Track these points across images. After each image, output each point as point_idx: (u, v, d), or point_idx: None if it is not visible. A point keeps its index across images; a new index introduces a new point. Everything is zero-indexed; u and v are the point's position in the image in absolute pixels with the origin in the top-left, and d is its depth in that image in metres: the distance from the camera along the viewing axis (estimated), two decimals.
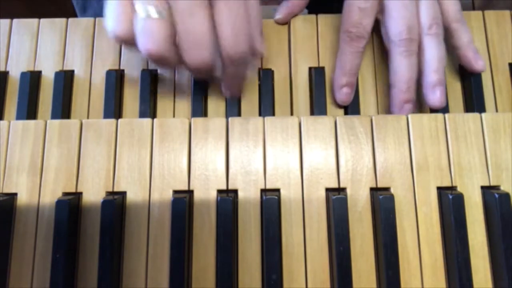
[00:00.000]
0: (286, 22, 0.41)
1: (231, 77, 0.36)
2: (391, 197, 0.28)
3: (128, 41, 0.32)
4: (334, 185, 0.30)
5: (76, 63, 0.40)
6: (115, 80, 0.39)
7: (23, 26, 0.41)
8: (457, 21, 0.38)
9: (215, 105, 0.39)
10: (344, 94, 0.38)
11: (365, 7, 0.37)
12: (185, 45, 0.32)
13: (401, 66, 0.36)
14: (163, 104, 0.39)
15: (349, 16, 0.38)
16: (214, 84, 0.39)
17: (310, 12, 0.42)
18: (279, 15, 0.41)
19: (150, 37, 0.31)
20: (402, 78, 0.36)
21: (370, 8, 0.37)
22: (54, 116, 0.38)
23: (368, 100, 0.39)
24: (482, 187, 0.30)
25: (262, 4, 0.40)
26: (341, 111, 0.39)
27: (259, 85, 0.39)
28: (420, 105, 0.39)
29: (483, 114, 0.31)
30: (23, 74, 0.39)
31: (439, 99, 0.36)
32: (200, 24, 0.31)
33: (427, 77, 0.36)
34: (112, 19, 0.32)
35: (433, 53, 0.37)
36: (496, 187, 0.30)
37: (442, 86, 0.37)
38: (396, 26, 0.37)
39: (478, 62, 0.38)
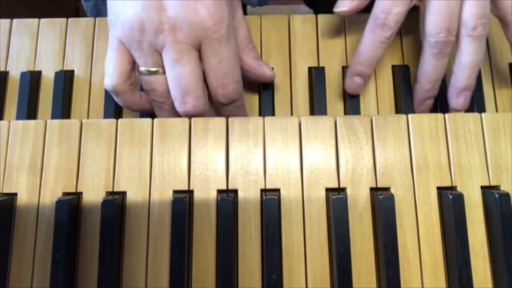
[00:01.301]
0: (347, 16, 0.38)
1: (228, 114, 0.35)
2: (391, 197, 0.28)
3: (120, 93, 0.34)
4: (334, 185, 0.30)
5: (76, 63, 0.40)
6: None
7: (23, 26, 0.41)
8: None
9: None
10: (354, 83, 0.36)
11: None
12: (174, 93, 0.33)
13: (430, 66, 0.35)
14: None
15: (380, 2, 0.35)
16: None
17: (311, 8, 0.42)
18: (343, 8, 0.36)
19: (152, 90, 0.34)
20: (428, 77, 0.35)
21: None
22: (54, 116, 0.39)
23: (368, 100, 0.39)
24: (482, 187, 0.30)
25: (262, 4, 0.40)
26: (341, 111, 0.39)
27: (259, 85, 0.39)
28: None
29: (483, 114, 0.31)
30: (23, 74, 0.39)
31: (462, 104, 0.35)
32: (188, 72, 0.32)
33: (457, 82, 0.35)
34: (110, 73, 0.34)
35: (470, 59, 0.34)
36: (496, 187, 0.30)
37: (470, 91, 0.35)
38: (434, 25, 0.34)
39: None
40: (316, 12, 0.43)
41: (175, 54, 0.32)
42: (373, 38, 0.35)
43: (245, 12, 0.39)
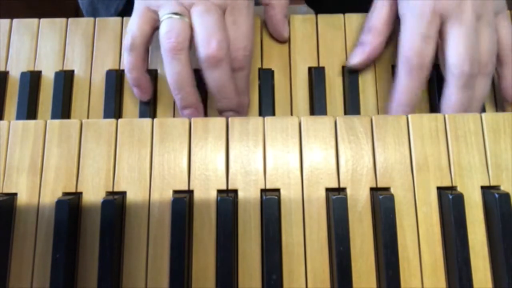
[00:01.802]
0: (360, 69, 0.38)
1: (236, 83, 0.36)
2: (391, 197, 0.28)
3: (134, 49, 0.36)
4: (334, 185, 0.30)
5: (76, 63, 0.40)
6: (115, 80, 0.39)
7: (23, 26, 0.41)
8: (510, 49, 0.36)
9: (215, 105, 0.39)
10: None
11: (428, 34, 0.34)
12: (200, 35, 0.34)
13: (457, 99, 0.34)
14: (163, 104, 0.39)
15: (409, 43, 0.34)
16: None
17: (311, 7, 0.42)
18: (355, 61, 0.38)
19: (173, 32, 0.34)
20: (453, 109, 0.34)
21: (432, 35, 0.34)
22: (54, 116, 0.38)
23: (368, 100, 0.39)
24: (482, 187, 0.30)
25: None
26: (341, 111, 0.39)
27: (259, 85, 0.39)
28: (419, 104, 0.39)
29: (483, 114, 0.31)
30: (23, 74, 0.39)
31: None
32: (215, 20, 0.34)
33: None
34: (131, 29, 0.36)
35: (477, 94, 0.35)
36: (496, 187, 0.30)
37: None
38: (457, 57, 0.34)
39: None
40: (317, 12, 0.43)
41: (204, 7, 0.34)
42: (412, 84, 0.35)
43: None
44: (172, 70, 0.34)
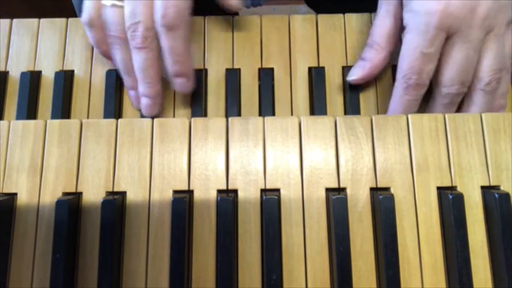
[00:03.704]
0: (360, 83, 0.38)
1: (168, 46, 0.36)
2: (391, 197, 0.28)
3: (92, 27, 0.37)
4: (334, 185, 0.30)
5: (76, 63, 0.40)
6: (115, 80, 0.39)
7: (23, 26, 0.41)
8: (505, 68, 0.35)
9: (215, 105, 0.39)
10: None
11: (429, 52, 0.33)
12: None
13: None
14: (163, 104, 0.39)
15: (409, 60, 0.33)
16: (213, 84, 0.39)
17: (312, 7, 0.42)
18: (354, 76, 0.37)
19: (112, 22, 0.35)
20: None
21: (434, 52, 0.33)
22: (54, 116, 0.39)
23: (368, 100, 0.39)
24: (482, 187, 0.30)
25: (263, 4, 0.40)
26: (341, 111, 0.39)
27: (259, 85, 0.39)
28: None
29: (483, 114, 0.31)
30: (23, 74, 0.39)
31: None
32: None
33: None
34: (88, 7, 0.37)
35: (480, 110, 0.34)
36: (496, 187, 0.30)
37: None
38: (449, 77, 0.33)
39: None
40: (317, 11, 0.43)
41: None
42: (408, 98, 0.34)
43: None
44: (118, 54, 0.37)
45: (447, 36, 0.33)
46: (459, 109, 0.36)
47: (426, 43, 0.33)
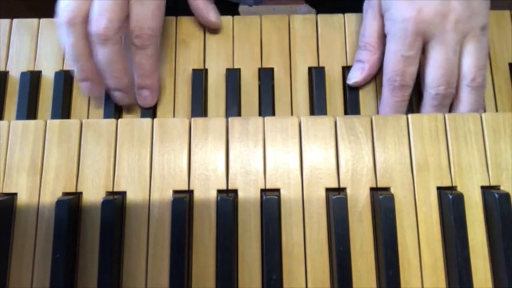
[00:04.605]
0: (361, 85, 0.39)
1: (138, 62, 0.37)
2: (391, 197, 0.28)
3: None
4: (334, 185, 0.30)
5: None
6: None
7: (23, 26, 0.41)
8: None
9: (215, 105, 0.39)
10: None
11: (409, 55, 0.35)
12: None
13: None
14: (163, 104, 0.39)
15: (392, 64, 0.36)
16: (213, 84, 0.39)
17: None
18: (354, 80, 0.38)
19: (70, 6, 0.34)
20: None
21: (414, 55, 0.35)
22: (54, 116, 0.38)
23: (368, 100, 0.39)
24: (482, 187, 0.30)
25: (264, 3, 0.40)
26: (341, 111, 0.39)
27: (259, 85, 0.39)
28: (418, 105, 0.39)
29: (483, 114, 0.31)
30: (23, 74, 0.39)
31: None
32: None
33: None
34: (65, 7, 0.35)
35: (469, 108, 0.35)
36: (496, 187, 0.30)
37: None
38: (434, 79, 0.35)
39: None
40: (317, 9, 0.43)
41: None
42: (395, 100, 0.36)
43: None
44: (67, 43, 0.35)
45: (425, 40, 0.35)
46: (450, 112, 0.37)
47: (406, 47, 0.35)
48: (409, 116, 0.31)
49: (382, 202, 0.28)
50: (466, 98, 0.35)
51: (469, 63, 0.35)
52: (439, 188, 0.30)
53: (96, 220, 0.29)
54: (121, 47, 0.36)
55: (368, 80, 0.38)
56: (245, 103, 0.39)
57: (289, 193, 0.30)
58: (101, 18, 0.34)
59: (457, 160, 0.30)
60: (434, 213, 0.29)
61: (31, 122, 0.31)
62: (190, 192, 0.30)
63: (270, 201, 0.29)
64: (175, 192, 0.30)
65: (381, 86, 0.39)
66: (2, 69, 0.40)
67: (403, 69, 0.35)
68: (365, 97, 0.39)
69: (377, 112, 0.38)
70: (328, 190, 0.30)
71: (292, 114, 0.39)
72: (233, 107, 0.38)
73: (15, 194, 0.30)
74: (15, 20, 0.41)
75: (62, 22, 0.35)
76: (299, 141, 0.31)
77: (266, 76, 0.39)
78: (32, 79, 0.39)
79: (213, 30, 0.41)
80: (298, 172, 0.30)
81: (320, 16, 0.41)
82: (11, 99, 0.40)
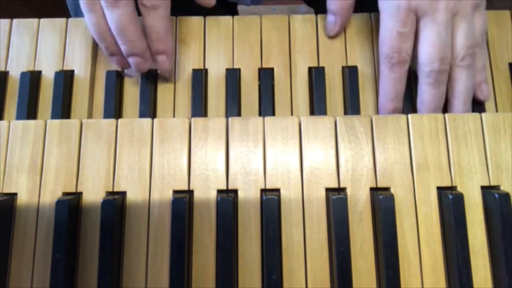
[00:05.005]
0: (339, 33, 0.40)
1: (150, 24, 0.36)
2: (391, 197, 0.28)
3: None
4: (334, 185, 0.30)
5: (76, 63, 0.40)
6: (115, 80, 0.39)
7: (23, 26, 0.41)
8: (477, 45, 0.37)
9: (215, 105, 0.39)
10: None
11: (404, 31, 0.36)
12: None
13: (429, 96, 0.36)
14: (163, 104, 0.39)
15: (388, 41, 0.36)
16: (213, 84, 0.39)
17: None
18: (332, 33, 0.40)
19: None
20: (429, 106, 0.36)
21: (408, 31, 0.36)
22: (54, 116, 0.38)
23: (368, 100, 0.39)
24: (482, 187, 0.30)
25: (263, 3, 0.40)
26: (341, 111, 0.39)
27: (259, 85, 0.39)
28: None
29: (483, 114, 0.31)
30: (23, 74, 0.39)
31: None
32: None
33: (455, 108, 0.37)
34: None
35: (463, 86, 0.36)
36: (496, 187, 0.30)
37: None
38: (427, 56, 0.35)
39: (483, 92, 0.38)
40: (316, 10, 0.43)
41: None
42: (394, 76, 0.37)
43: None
44: (89, 22, 0.36)
45: (418, 17, 0.36)
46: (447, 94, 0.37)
47: (400, 23, 0.36)
48: (409, 116, 0.31)
49: (382, 202, 0.28)
50: (458, 77, 0.36)
51: (459, 42, 0.36)
52: (439, 188, 0.30)
53: (96, 220, 0.29)
54: (134, 10, 0.35)
55: (342, 28, 0.40)
56: (245, 103, 0.39)
57: (289, 193, 0.30)
58: None
59: (457, 160, 0.30)
60: (434, 213, 0.29)
61: (31, 122, 0.31)
62: (190, 192, 0.30)
63: (270, 201, 0.29)
64: (175, 192, 0.30)
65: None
66: (2, 69, 0.40)
67: (399, 46, 0.36)
68: (365, 97, 0.39)
69: (377, 112, 0.38)
70: (328, 190, 0.30)
71: (292, 114, 0.39)
72: (233, 107, 0.38)
73: (15, 194, 0.30)
74: (15, 20, 0.41)
75: (83, 6, 0.35)
76: (299, 141, 0.31)
77: (266, 76, 0.39)
78: (32, 79, 0.39)
79: (213, 30, 0.41)
80: (298, 172, 0.30)
81: (320, 16, 0.41)
82: (11, 99, 0.40)
